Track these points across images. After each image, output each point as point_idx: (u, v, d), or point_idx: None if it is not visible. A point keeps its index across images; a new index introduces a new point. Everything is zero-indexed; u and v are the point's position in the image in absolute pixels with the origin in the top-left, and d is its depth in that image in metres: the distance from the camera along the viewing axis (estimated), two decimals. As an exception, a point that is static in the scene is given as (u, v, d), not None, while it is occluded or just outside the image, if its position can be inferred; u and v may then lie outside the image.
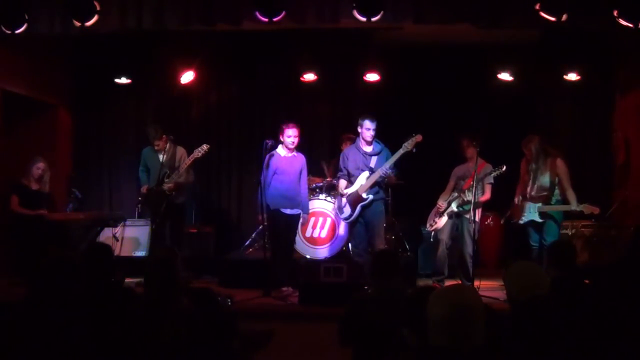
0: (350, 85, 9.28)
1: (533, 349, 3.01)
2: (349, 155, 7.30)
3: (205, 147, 7.52)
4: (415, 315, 2.83)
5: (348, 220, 7.33)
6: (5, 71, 7.91)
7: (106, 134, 9.67)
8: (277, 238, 7.21)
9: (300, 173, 7.25)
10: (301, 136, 7.23)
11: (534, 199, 6.91)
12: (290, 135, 7.07)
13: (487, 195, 7.25)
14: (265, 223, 7.11)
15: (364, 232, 7.27)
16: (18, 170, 7.92)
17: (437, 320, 2.47)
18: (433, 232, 7.53)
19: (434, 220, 7.41)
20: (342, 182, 7.33)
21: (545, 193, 6.87)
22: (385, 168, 7.02)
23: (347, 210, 7.28)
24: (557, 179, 6.86)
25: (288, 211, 7.16)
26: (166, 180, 7.53)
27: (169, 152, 7.71)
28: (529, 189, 6.94)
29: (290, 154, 7.17)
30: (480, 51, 8.40)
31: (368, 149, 7.18)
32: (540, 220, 6.87)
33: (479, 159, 7.12)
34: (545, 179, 6.87)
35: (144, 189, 7.74)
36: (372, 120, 7.08)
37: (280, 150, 7.19)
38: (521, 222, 6.97)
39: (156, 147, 7.72)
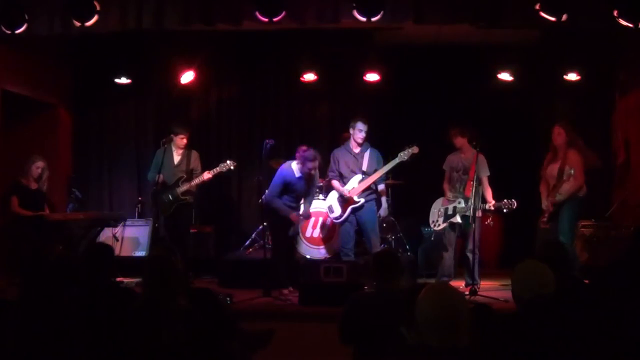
0: (350, 85, 9.28)
1: (536, 348, 3.01)
2: (339, 158, 7.46)
3: (229, 163, 7.48)
4: (412, 312, 2.86)
5: (338, 221, 7.51)
6: (5, 71, 7.90)
7: (106, 134, 9.66)
8: (285, 239, 7.24)
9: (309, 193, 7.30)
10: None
11: (548, 193, 7.08)
12: (311, 167, 6.93)
13: (489, 189, 7.24)
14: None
15: (353, 233, 7.44)
16: (18, 170, 7.91)
17: (423, 320, 2.51)
18: (434, 231, 7.53)
19: (437, 221, 7.40)
20: (337, 183, 7.45)
21: (552, 182, 7.00)
22: (377, 177, 7.32)
23: (337, 210, 7.46)
24: (566, 168, 6.91)
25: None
26: (181, 184, 7.53)
27: (184, 153, 7.70)
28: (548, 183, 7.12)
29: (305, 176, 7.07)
30: (480, 51, 8.40)
31: (358, 149, 7.40)
32: (551, 209, 6.98)
33: (472, 151, 7.17)
34: (554, 167, 7.01)
35: (159, 178, 7.47)
36: (364, 122, 7.34)
37: (294, 166, 7.07)
38: (544, 219, 7.09)
39: (178, 145, 7.62)
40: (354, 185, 7.33)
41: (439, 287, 2.71)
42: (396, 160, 7.31)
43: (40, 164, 7.78)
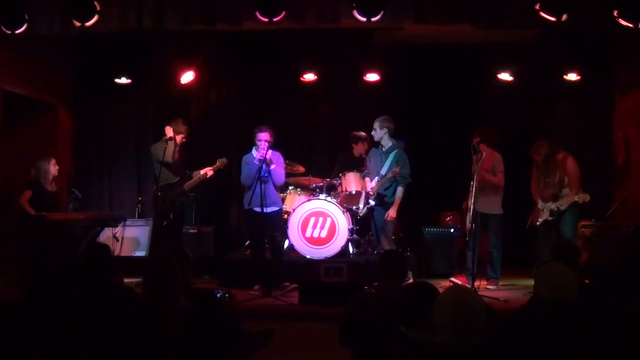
0: (350, 85, 9.28)
1: (549, 349, 3.02)
2: (371, 156, 7.67)
3: (225, 160, 7.84)
4: (411, 310, 2.87)
5: (359, 213, 7.74)
6: (5, 71, 7.90)
7: (106, 134, 9.65)
8: (254, 237, 7.52)
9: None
10: (274, 136, 7.36)
11: (545, 199, 7.16)
12: (261, 139, 7.22)
13: (498, 179, 7.35)
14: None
15: (373, 229, 7.68)
16: (18, 170, 7.91)
17: (441, 320, 2.53)
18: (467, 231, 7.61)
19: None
20: (367, 179, 7.63)
21: (553, 191, 7.09)
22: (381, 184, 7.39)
23: (361, 203, 7.70)
24: (565, 178, 7.08)
25: (259, 209, 7.16)
26: (186, 180, 7.69)
27: (181, 150, 7.76)
28: (542, 191, 7.21)
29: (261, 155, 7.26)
30: (480, 51, 8.40)
31: (385, 149, 7.46)
32: (550, 218, 7.07)
33: (490, 150, 7.34)
34: (554, 178, 7.09)
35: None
36: (380, 120, 7.46)
37: (254, 151, 7.36)
38: (537, 223, 7.12)
39: (174, 141, 7.68)
40: (372, 185, 7.47)
41: (458, 289, 2.76)
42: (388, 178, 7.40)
43: (54, 160, 7.82)
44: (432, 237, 8.47)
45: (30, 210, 7.55)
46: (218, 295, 4.04)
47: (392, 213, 7.32)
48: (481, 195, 7.06)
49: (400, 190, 7.30)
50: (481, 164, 7.17)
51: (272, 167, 7.24)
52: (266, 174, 7.19)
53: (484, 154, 7.25)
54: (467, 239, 7.63)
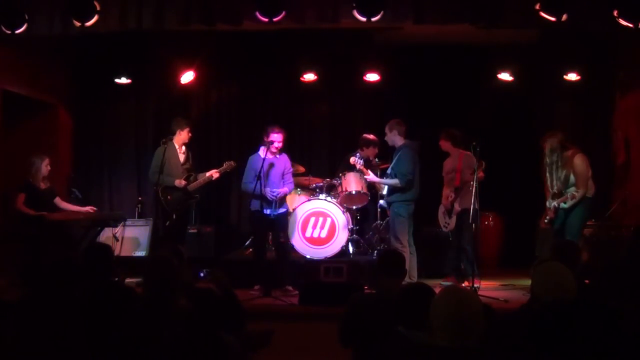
0: (350, 85, 9.29)
1: (549, 349, 3.02)
2: None
3: (233, 163, 7.65)
4: (409, 311, 2.87)
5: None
6: (5, 71, 7.90)
7: (106, 134, 9.65)
8: (258, 238, 7.49)
9: (283, 175, 7.33)
10: (285, 140, 7.35)
11: (554, 196, 6.97)
12: (275, 140, 7.16)
13: (480, 175, 7.33)
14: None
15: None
16: (18, 170, 7.90)
17: (438, 320, 2.51)
18: (450, 232, 7.56)
19: (446, 222, 7.49)
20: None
21: (559, 187, 6.96)
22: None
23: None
24: (571, 176, 6.90)
25: (269, 211, 7.18)
26: (191, 181, 7.60)
27: (186, 151, 7.73)
28: (549, 187, 7.04)
29: (271, 156, 7.23)
30: (480, 51, 8.41)
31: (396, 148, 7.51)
32: (553, 216, 6.96)
33: (458, 150, 7.35)
34: (560, 174, 6.94)
35: (181, 183, 7.49)
36: (389, 124, 7.48)
37: (261, 151, 7.28)
38: (546, 221, 7.07)
39: (184, 141, 7.63)
40: (371, 177, 7.64)
41: (454, 289, 2.72)
42: None
43: (48, 160, 7.79)
44: (431, 237, 8.46)
45: (28, 211, 7.54)
46: (202, 275, 4.02)
47: (367, 174, 7.54)
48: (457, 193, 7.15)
49: (393, 180, 7.27)
50: (457, 164, 7.27)
51: (286, 191, 7.39)
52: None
53: (451, 154, 7.44)
54: (450, 239, 7.64)
